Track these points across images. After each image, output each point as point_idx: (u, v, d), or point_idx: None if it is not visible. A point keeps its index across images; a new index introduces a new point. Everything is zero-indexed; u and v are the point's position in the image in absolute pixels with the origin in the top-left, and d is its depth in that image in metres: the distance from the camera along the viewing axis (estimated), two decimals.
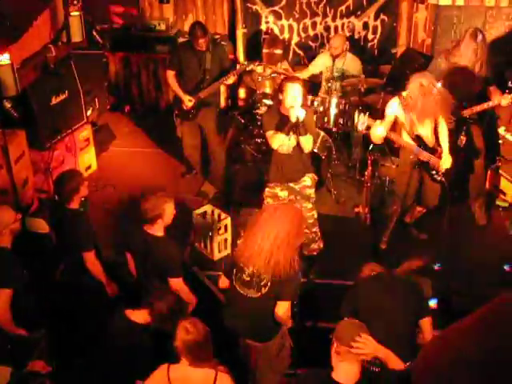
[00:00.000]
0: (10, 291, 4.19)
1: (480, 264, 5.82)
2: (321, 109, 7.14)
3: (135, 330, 3.96)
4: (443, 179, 5.69)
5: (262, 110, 7.36)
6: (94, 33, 7.59)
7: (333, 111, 7.16)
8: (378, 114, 6.36)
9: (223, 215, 6.09)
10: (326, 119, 7.17)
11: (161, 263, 4.47)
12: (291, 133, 5.27)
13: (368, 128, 5.63)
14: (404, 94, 5.50)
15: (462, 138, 6.23)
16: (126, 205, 6.60)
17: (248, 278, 4.06)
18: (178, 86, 6.78)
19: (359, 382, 3.27)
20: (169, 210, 4.53)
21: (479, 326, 1.87)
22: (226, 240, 6.08)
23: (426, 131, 5.63)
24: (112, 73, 8.93)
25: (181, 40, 8.17)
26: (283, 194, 5.57)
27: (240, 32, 8.82)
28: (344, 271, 5.41)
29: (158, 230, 4.54)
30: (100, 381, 4.05)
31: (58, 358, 4.33)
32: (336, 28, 8.61)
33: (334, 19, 8.57)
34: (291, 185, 5.55)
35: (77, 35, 6.49)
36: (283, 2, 8.56)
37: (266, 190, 5.66)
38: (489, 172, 6.70)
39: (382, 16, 8.50)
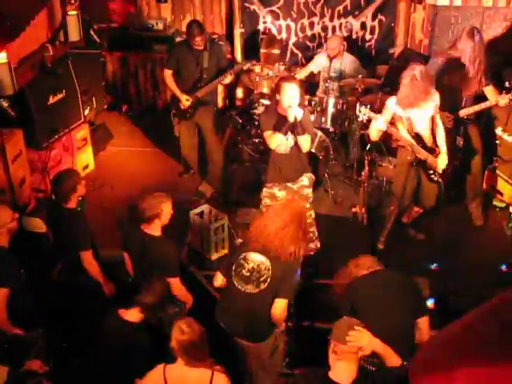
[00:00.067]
0: (6, 290, 4.19)
1: (477, 264, 5.83)
2: (318, 109, 7.15)
3: (129, 330, 3.96)
4: (440, 179, 5.70)
5: (260, 109, 7.36)
6: (92, 32, 7.61)
7: (330, 111, 7.16)
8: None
9: (220, 215, 6.09)
10: (323, 119, 7.18)
11: (158, 263, 4.47)
12: (289, 133, 5.28)
13: (368, 120, 5.65)
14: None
15: (460, 140, 6.24)
16: (123, 204, 6.59)
17: (248, 274, 4.07)
18: (175, 85, 6.78)
19: (356, 382, 3.27)
20: (166, 210, 4.53)
21: (479, 325, 1.88)
22: (223, 240, 6.08)
23: (424, 131, 5.64)
24: (109, 72, 8.93)
25: (178, 39, 8.17)
26: (281, 193, 5.58)
27: (237, 32, 8.82)
28: None
29: (155, 229, 4.54)
30: (97, 380, 4.05)
31: (55, 358, 4.33)
32: (334, 28, 8.60)
33: (331, 19, 8.56)
34: (289, 185, 5.55)
35: (74, 34, 6.49)
36: (281, 2, 8.55)
37: (264, 189, 5.67)
38: (486, 172, 6.72)
39: (379, 16, 8.50)
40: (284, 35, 8.75)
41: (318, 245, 5.82)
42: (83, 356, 4.32)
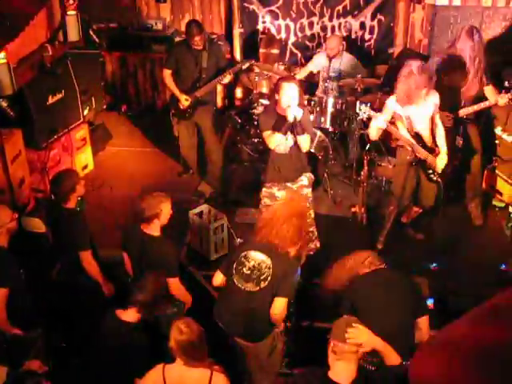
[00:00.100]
0: (6, 290, 4.19)
1: (476, 264, 5.83)
2: (318, 109, 7.15)
3: (126, 330, 3.95)
4: (439, 179, 5.70)
5: (259, 109, 7.35)
6: (91, 32, 7.60)
7: (329, 111, 7.16)
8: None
9: (220, 215, 6.09)
10: (322, 119, 7.18)
11: (157, 263, 4.46)
12: (288, 132, 5.28)
13: (368, 119, 5.65)
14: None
15: (460, 140, 6.24)
16: (122, 204, 6.59)
17: (248, 272, 4.07)
18: (174, 85, 6.78)
19: (356, 381, 3.27)
20: (165, 210, 4.53)
21: (479, 325, 1.87)
22: (222, 240, 6.08)
23: (424, 130, 5.64)
24: (109, 72, 8.92)
25: (177, 39, 8.16)
26: (280, 193, 5.57)
27: (237, 32, 8.82)
28: None
29: (154, 229, 4.54)
30: (96, 380, 4.05)
31: (55, 358, 4.33)
32: (333, 28, 8.60)
33: (330, 19, 8.56)
34: (288, 184, 5.55)
35: (73, 34, 6.48)
36: (280, 2, 8.55)
37: (263, 189, 5.66)
38: (485, 172, 6.72)
39: (378, 16, 8.50)
40: (283, 35, 8.75)
41: (318, 245, 5.81)
42: (82, 356, 4.32)
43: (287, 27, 8.71)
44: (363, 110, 5.58)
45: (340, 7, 8.48)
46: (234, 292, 4.14)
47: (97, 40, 7.74)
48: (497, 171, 6.64)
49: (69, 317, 4.75)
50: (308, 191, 5.60)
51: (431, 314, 4.08)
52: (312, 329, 5.11)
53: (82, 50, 7.23)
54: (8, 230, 4.34)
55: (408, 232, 6.32)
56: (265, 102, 7.36)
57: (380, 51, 8.69)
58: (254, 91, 7.70)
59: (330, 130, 7.22)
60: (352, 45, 8.29)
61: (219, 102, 8.55)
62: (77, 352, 4.48)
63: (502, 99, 5.93)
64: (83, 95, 7.21)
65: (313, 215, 5.70)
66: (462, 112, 6.13)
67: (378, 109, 6.07)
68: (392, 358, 3.57)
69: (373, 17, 8.51)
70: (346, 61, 7.43)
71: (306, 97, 7.05)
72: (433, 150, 5.65)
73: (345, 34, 8.45)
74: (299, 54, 8.83)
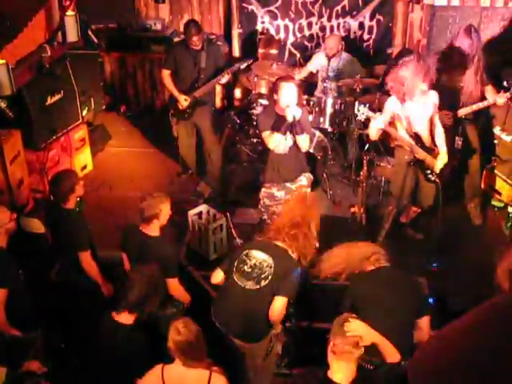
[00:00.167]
0: (5, 291, 4.18)
1: (475, 264, 5.82)
2: (317, 109, 7.15)
3: (123, 331, 3.94)
4: (437, 179, 5.70)
5: (258, 109, 7.36)
6: (90, 33, 7.59)
7: (328, 111, 7.16)
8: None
9: (219, 215, 6.09)
10: (321, 119, 7.18)
11: (156, 263, 4.46)
12: (288, 132, 5.28)
13: (367, 119, 5.65)
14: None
15: (459, 141, 6.24)
16: (121, 205, 6.59)
17: (249, 270, 4.07)
18: (173, 86, 6.78)
19: (355, 381, 3.27)
20: (165, 210, 4.53)
21: (479, 325, 1.87)
22: (221, 240, 6.08)
23: (423, 131, 5.64)
24: (108, 73, 8.93)
25: (176, 40, 8.16)
26: (280, 193, 5.58)
27: (235, 32, 8.82)
28: None
29: (153, 229, 4.53)
30: (95, 381, 4.04)
31: (54, 359, 4.32)
32: (332, 28, 8.60)
33: (329, 19, 8.56)
34: (287, 184, 5.55)
35: (72, 35, 6.47)
36: (279, 2, 8.55)
37: (263, 190, 5.67)
38: (484, 172, 6.71)
39: (377, 16, 8.51)
40: (282, 35, 8.74)
41: (317, 245, 5.80)
42: (82, 357, 4.31)
43: (286, 27, 8.71)
44: (361, 111, 5.59)
45: (339, 7, 8.48)
46: (234, 290, 4.13)
47: (96, 40, 7.74)
48: (496, 171, 6.63)
49: (68, 317, 4.75)
50: (307, 191, 5.60)
51: (431, 314, 4.08)
52: (311, 329, 5.11)
53: (81, 50, 7.23)
54: (7, 231, 4.33)
55: (407, 232, 6.32)
56: (264, 102, 7.37)
57: (379, 51, 8.70)
58: (253, 91, 7.70)
59: (329, 130, 7.22)
60: (351, 45, 8.27)
61: (218, 103, 8.57)
62: (76, 353, 4.48)
63: (501, 99, 5.93)
64: (82, 96, 7.21)
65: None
66: (461, 112, 6.13)
67: (377, 109, 6.07)
68: (392, 354, 3.57)
69: (371, 17, 8.52)
70: (344, 60, 7.43)
71: (305, 97, 7.06)
72: (432, 151, 5.65)
73: (343, 35, 8.45)
74: (298, 55, 8.83)
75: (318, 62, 7.60)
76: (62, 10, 6.58)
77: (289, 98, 5.16)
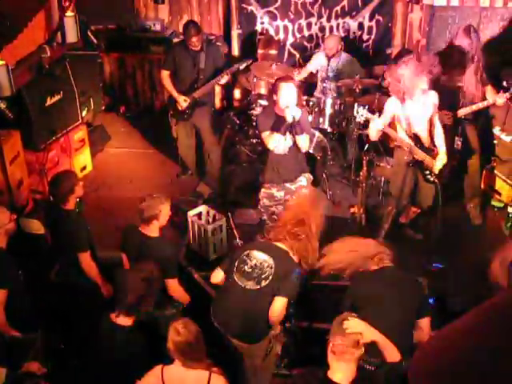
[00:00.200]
0: (4, 292, 4.18)
1: (475, 264, 5.81)
2: (316, 109, 7.15)
3: (122, 333, 3.94)
4: (436, 180, 5.70)
5: (258, 110, 7.36)
6: (89, 33, 7.59)
7: (328, 111, 7.16)
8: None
9: (218, 216, 6.09)
10: (321, 120, 7.18)
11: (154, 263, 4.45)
12: (287, 133, 5.28)
13: (366, 121, 5.65)
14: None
15: (459, 142, 6.24)
16: (121, 205, 6.59)
17: (250, 270, 4.07)
18: (172, 86, 6.78)
19: (355, 381, 3.27)
20: (165, 211, 4.54)
21: (479, 325, 1.87)
22: (221, 240, 6.07)
23: (422, 132, 5.64)
24: (107, 73, 8.93)
25: (176, 40, 8.16)
26: (279, 194, 5.58)
27: (235, 33, 8.82)
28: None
29: (153, 230, 4.53)
30: (95, 382, 4.04)
31: (54, 359, 4.32)
32: (331, 28, 8.60)
33: (328, 20, 8.57)
34: (287, 185, 5.55)
35: (72, 36, 6.46)
36: (278, 3, 8.55)
37: (262, 190, 5.67)
38: (484, 172, 6.71)
39: (376, 16, 8.51)
40: (281, 36, 8.75)
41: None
42: (81, 357, 4.32)
43: (285, 28, 8.71)
44: (360, 113, 5.59)
45: (338, 8, 8.49)
46: (233, 290, 4.13)
47: (95, 41, 7.74)
48: (495, 171, 6.63)
49: (67, 318, 4.75)
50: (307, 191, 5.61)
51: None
52: (311, 329, 5.10)
53: (81, 51, 7.23)
54: (6, 232, 4.33)
55: (407, 232, 6.32)
56: (263, 102, 7.37)
57: (378, 52, 8.70)
58: (253, 92, 7.70)
59: (329, 130, 7.22)
60: (350, 45, 8.28)
61: (218, 103, 8.57)
62: (76, 353, 4.48)
63: (501, 99, 5.93)
64: (82, 96, 7.21)
65: None
66: (461, 112, 6.13)
67: (377, 109, 6.07)
68: (392, 353, 3.57)
69: (371, 17, 8.52)
70: (344, 60, 7.44)
71: (305, 97, 7.07)
72: (431, 151, 5.65)
73: (343, 35, 8.45)
74: (297, 55, 8.83)
75: (317, 63, 7.60)
76: (61, 10, 6.58)
77: (288, 98, 5.16)
